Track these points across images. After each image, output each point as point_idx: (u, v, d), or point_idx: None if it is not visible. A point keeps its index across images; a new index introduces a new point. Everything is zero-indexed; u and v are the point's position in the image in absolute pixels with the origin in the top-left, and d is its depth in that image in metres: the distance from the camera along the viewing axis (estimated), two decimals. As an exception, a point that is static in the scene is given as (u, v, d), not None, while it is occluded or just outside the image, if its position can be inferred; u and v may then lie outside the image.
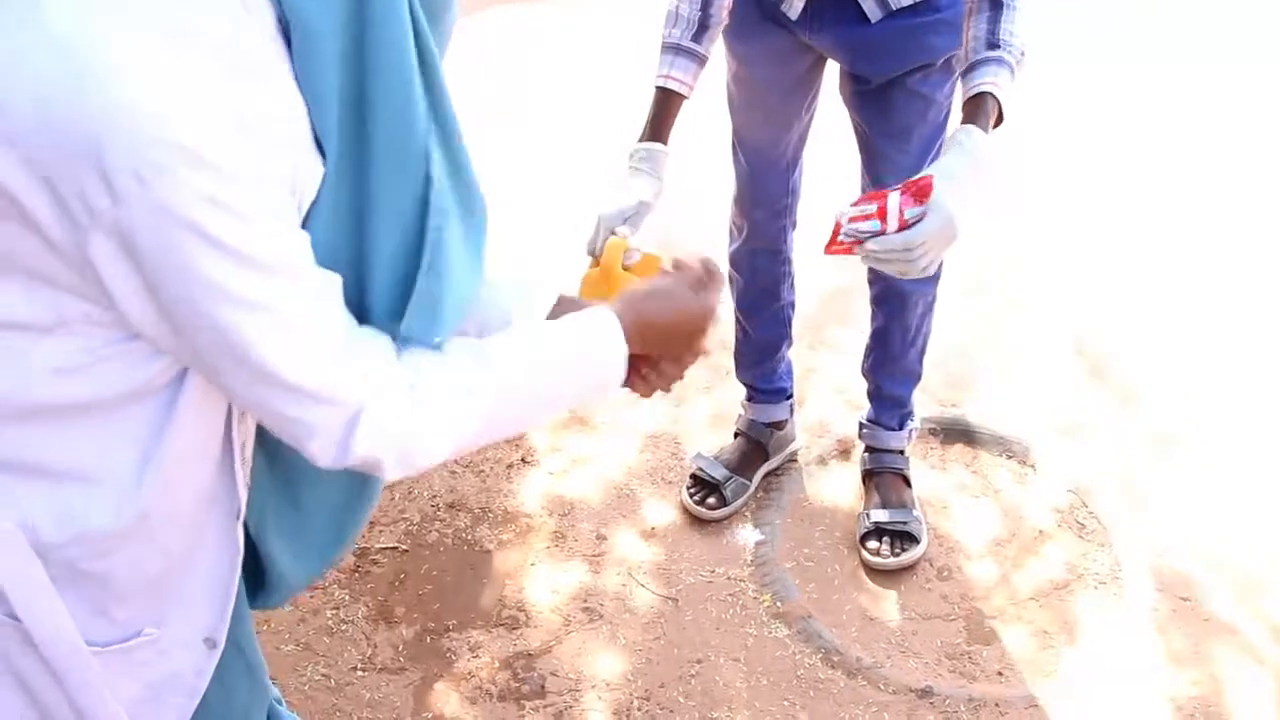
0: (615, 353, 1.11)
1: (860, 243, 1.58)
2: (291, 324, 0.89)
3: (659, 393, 1.22)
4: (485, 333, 1.11)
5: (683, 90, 1.80)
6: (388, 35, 0.88)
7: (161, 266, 0.82)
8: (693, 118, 1.87)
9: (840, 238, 1.60)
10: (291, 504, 1.19)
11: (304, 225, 0.93)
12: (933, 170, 1.58)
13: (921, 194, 1.55)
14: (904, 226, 1.55)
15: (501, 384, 1.04)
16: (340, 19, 0.86)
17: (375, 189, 0.93)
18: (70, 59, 0.78)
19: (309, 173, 0.90)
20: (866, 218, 1.57)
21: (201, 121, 0.80)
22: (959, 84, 1.85)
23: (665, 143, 1.78)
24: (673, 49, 1.80)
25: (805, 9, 1.88)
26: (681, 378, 1.22)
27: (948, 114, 2.00)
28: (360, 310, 0.98)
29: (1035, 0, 1.73)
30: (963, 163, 1.58)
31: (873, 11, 1.85)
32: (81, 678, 1.04)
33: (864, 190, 2.09)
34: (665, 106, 1.79)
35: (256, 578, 1.25)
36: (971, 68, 1.66)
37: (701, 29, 1.80)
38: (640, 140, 1.78)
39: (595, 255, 1.64)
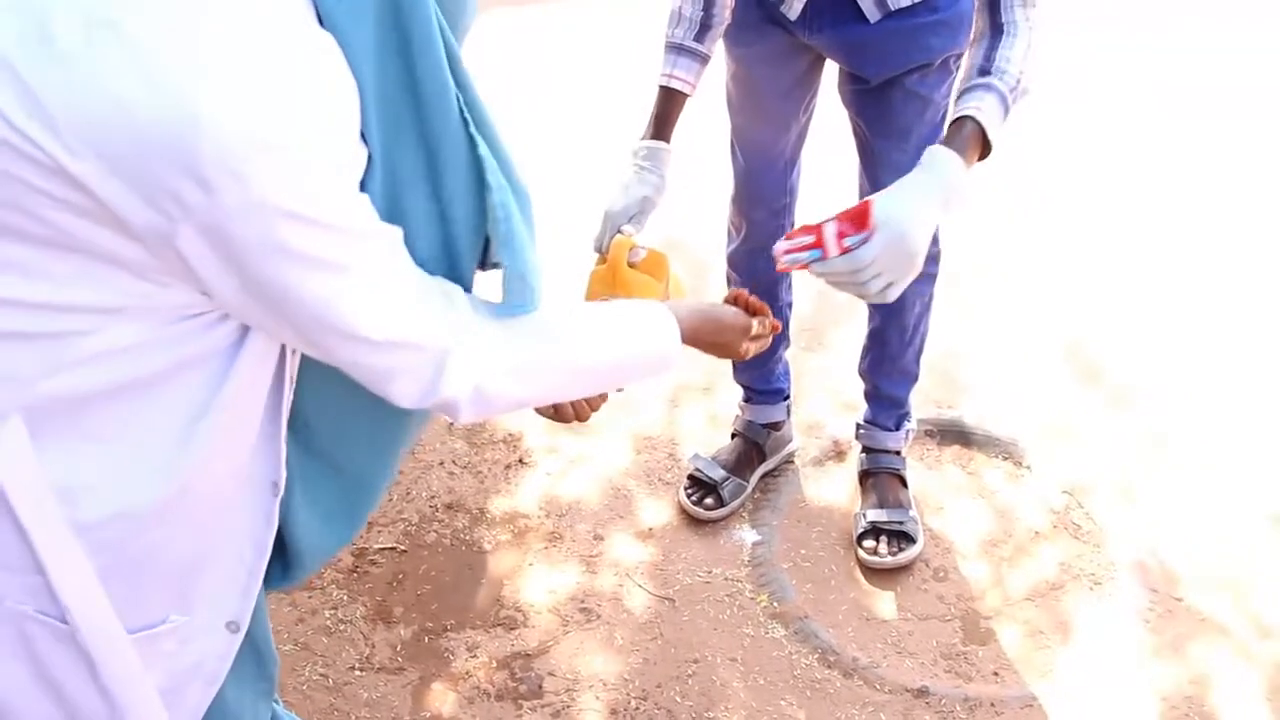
0: (672, 352, 1.25)
1: (806, 266, 1.53)
2: (375, 282, 0.93)
3: (614, 408, 1.33)
4: None
5: (685, 89, 1.81)
6: (421, 33, 0.91)
7: (254, 251, 0.86)
8: (692, 118, 1.88)
9: (779, 267, 1.54)
10: (329, 467, 1.20)
11: None
12: (880, 194, 1.52)
13: (859, 220, 1.48)
14: (845, 253, 1.48)
15: (569, 349, 1.13)
16: (372, 16, 0.89)
17: (428, 174, 0.97)
18: (150, 69, 0.80)
19: (357, 160, 0.93)
20: (804, 248, 1.51)
21: (281, 115, 0.83)
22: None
23: (668, 141, 1.79)
24: (675, 48, 1.82)
25: (804, 9, 1.89)
26: (597, 409, 1.33)
27: (945, 114, 2.01)
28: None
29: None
30: (921, 182, 1.51)
31: (871, 12, 1.86)
32: (119, 669, 1.04)
33: (861, 193, 2.10)
34: (668, 105, 1.80)
35: (275, 558, 1.24)
36: (960, 94, 1.59)
37: (704, 29, 1.82)
38: (643, 138, 1.80)
39: (602, 252, 1.65)
